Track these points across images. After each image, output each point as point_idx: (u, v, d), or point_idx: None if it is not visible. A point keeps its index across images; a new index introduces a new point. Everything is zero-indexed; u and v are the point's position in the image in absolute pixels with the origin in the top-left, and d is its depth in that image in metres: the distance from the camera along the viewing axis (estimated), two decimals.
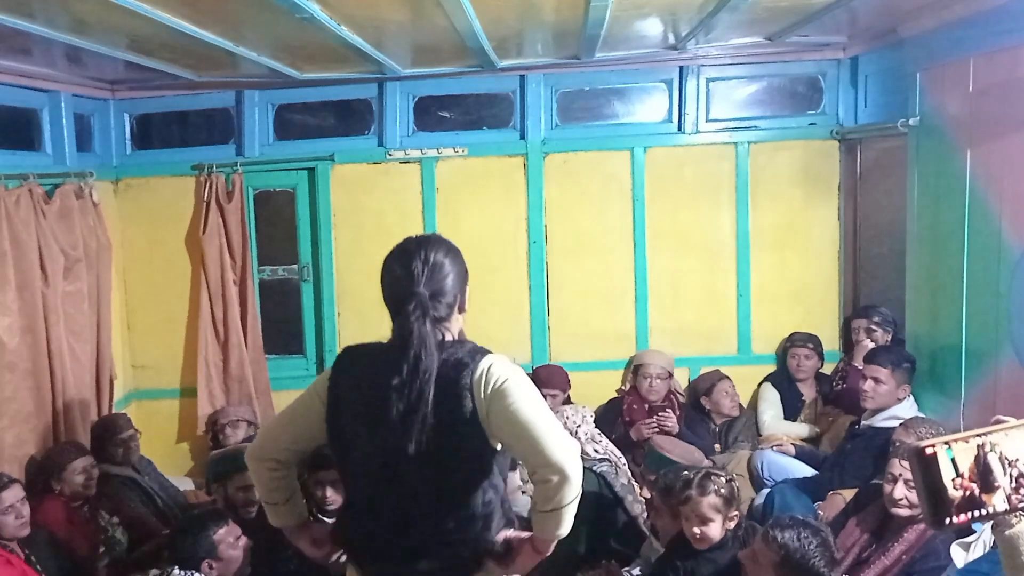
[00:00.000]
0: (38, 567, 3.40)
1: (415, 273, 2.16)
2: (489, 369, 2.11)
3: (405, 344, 2.09)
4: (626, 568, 3.54)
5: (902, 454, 3.06)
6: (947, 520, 1.48)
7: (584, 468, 3.38)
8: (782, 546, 2.64)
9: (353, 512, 2.30)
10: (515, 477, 3.60)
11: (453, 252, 2.27)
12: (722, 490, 3.01)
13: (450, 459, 2.13)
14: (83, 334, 4.47)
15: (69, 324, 4.34)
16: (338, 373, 2.25)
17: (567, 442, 2.08)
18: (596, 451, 4.02)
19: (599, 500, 3.75)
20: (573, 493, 2.08)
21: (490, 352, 2.19)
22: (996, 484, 1.49)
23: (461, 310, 2.28)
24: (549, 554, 2.21)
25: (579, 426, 4.11)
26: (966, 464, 1.48)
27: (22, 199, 4.01)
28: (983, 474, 1.48)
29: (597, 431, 4.13)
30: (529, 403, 2.09)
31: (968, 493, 1.48)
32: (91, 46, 3.59)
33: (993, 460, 1.49)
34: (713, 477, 3.05)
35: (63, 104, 4.50)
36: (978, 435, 1.51)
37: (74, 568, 3.61)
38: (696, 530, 3.00)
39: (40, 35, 3.26)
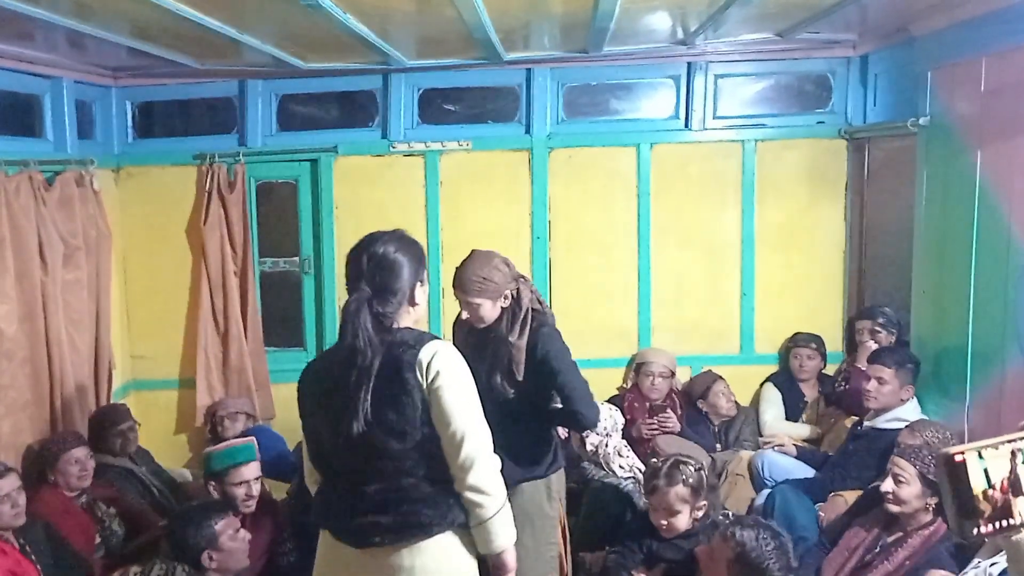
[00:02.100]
0: (33, 557, 3.37)
1: (360, 269, 2.31)
2: (436, 353, 2.26)
3: (342, 335, 2.28)
4: None
5: (901, 451, 3.04)
6: (975, 530, 1.43)
7: (608, 485, 3.42)
8: (739, 543, 2.65)
9: (321, 494, 2.46)
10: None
11: (405, 247, 2.38)
12: (690, 480, 3.00)
13: (398, 431, 2.24)
14: (82, 323, 4.44)
15: (68, 313, 4.31)
16: (301, 384, 2.47)
17: (482, 449, 2.25)
18: (622, 467, 4.01)
19: (620, 519, 3.73)
20: (492, 508, 2.25)
21: (439, 339, 2.33)
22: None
23: (412, 303, 2.36)
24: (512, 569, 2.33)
25: (609, 435, 4.09)
26: (999, 473, 1.43)
27: (22, 186, 3.97)
28: (1015, 483, 1.43)
29: (624, 443, 4.12)
30: (461, 395, 2.26)
31: (1001, 503, 1.43)
32: (94, 31, 3.56)
33: (1022, 468, 1.44)
34: (681, 466, 3.04)
35: (65, 90, 4.47)
36: (1009, 441, 1.45)
37: (70, 559, 3.58)
38: (663, 522, 3.01)
39: (43, 19, 3.22)
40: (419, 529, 2.28)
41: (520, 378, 3.01)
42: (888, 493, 2.99)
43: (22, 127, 4.37)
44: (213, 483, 3.52)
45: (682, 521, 2.99)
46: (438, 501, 2.29)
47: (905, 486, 2.95)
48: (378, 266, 2.30)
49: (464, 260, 3.10)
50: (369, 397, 2.23)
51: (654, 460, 3.20)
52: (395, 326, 2.31)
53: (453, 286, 3.08)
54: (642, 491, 3.75)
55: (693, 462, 3.14)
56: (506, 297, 3.04)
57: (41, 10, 3.14)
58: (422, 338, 2.30)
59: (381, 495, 2.29)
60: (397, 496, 2.28)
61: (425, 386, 2.24)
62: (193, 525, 3.07)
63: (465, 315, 3.12)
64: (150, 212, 5.10)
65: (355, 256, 2.35)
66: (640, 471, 3.97)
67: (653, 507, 3.05)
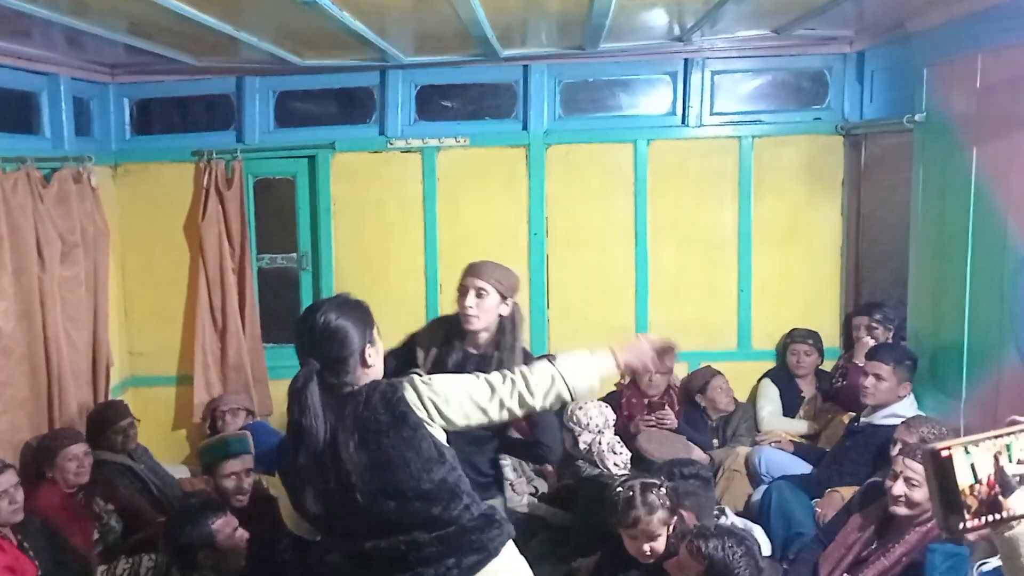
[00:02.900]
0: (31, 553, 3.38)
1: (306, 341, 2.28)
2: (415, 381, 2.28)
3: (291, 412, 2.27)
4: None
5: (908, 452, 3.04)
6: (961, 525, 1.44)
7: (601, 483, 3.40)
8: (706, 556, 2.62)
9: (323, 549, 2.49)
10: None
11: (347, 312, 2.31)
12: (666, 502, 2.93)
13: (398, 470, 2.23)
14: (80, 320, 4.44)
15: (66, 310, 4.31)
16: (279, 464, 2.50)
17: (487, 390, 2.34)
18: (617, 465, 4.00)
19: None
20: (543, 387, 2.34)
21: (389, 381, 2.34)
22: (1013, 487, 1.45)
23: (365, 366, 2.32)
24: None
25: (601, 432, 4.08)
26: (985, 468, 1.44)
27: (19, 183, 3.97)
28: (1002, 477, 1.44)
29: (617, 440, 4.11)
30: (452, 386, 2.32)
31: (986, 498, 1.44)
32: (91, 28, 3.56)
33: (1010, 463, 1.45)
34: (654, 490, 2.94)
35: (62, 87, 4.46)
36: (996, 436, 1.46)
37: (68, 555, 3.58)
38: (646, 548, 2.91)
39: (40, 16, 3.22)
40: (481, 553, 2.31)
41: None
42: (900, 496, 2.96)
43: (19, 124, 4.37)
44: (207, 477, 3.52)
45: (662, 543, 2.92)
46: (477, 522, 2.32)
47: (918, 489, 2.92)
48: (322, 337, 2.25)
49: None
50: (369, 462, 2.22)
51: (618, 490, 3.02)
52: (356, 387, 2.28)
53: (466, 274, 3.07)
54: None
55: (657, 480, 3.04)
56: (507, 306, 3.05)
57: (38, 7, 3.14)
58: (396, 382, 2.30)
59: (434, 544, 2.28)
60: (446, 535, 2.29)
61: (430, 410, 2.26)
62: (190, 523, 3.06)
63: (461, 311, 3.06)
64: (148, 209, 5.10)
65: (300, 328, 2.32)
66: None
67: (633, 537, 2.94)
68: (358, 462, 2.21)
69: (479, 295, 3.01)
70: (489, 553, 2.32)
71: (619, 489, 3.01)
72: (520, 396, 2.32)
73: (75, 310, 4.40)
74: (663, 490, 2.96)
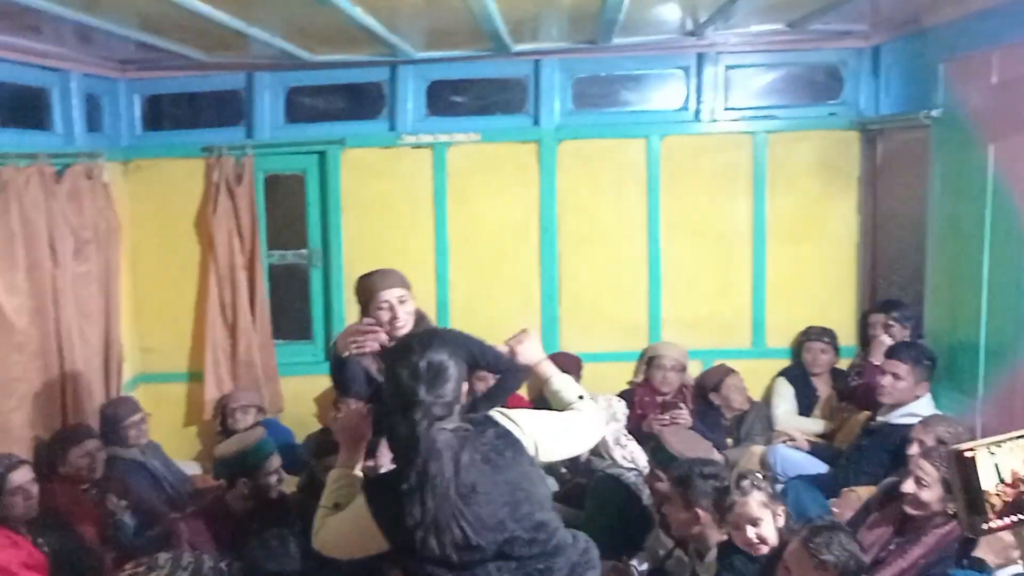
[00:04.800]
0: (45, 549, 3.38)
1: (419, 378, 2.18)
2: (506, 414, 2.32)
3: (415, 455, 2.15)
4: (632, 562, 3.51)
5: (925, 452, 3.01)
6: (985, 525, 1.43)
7: (611, 477, 3.38)
8: (836, 566, 2.53)
9: None
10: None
11: (454, 349, 2.29)
12: (762, 485, 2.89)
13: (520, 505, 2.23)
14: (92, 316, 4.45)
15: (78, 306, 4.32)
16: (374, 504, 2.27)
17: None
18: (624, 457, 3.98)
19: (623, 512, 3.71)
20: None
21: (485, 414, 2.34)
22: None
23: (460, 403, 2.29)
24: None
25: (607, 424, 4.07)
26: (1009, 468, 1.42)
27: (32, 179, 3.97)
28: None
29: (625, 434, 4.10)
30: (539, 416, 2.38)
31: (1011, 498, 1.42)
32: (102, 24, 3.56)
33: None
34: (749, 476, 2.95)
35: (73, 83, 4.46)
36: (1019, 437, 1.45)
37: (81, 551, 3.59)
38: (751, 534, 2.84)
39: (51, 12, 3.22)
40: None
41: None
42: (909, 495, 2.95)
43: (31, 120, 4.37)
44: (244, 479, 3.51)
45: (768, 529, 2.83)
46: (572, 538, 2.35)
47: (927, 489, 2.90)
48: (437, 374, 2.19)
49: (365, 273, 3.13)
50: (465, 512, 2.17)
51: (714, 483, 3.04)
52: (468, 426, 2.25)
53: (377, 288, 3.04)
54: (646, 483, 3.74)
55: (756, 470, 3.11)
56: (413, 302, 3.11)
57: (49, 3, 3.14)
58: (487, 419, 2.30)
59: (564, 569, 2.29)
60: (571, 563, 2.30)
61: (533, 446, 2.30)
62: None
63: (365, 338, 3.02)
64: (159, 205, 5.10)
65: (407, 361, 2.21)
66: (643, 462, 3.95)
67: (735, 525, 2.89)
68: (489, 497, 2.18)
69: (402, 302, 3.03)
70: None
71: (713, 481, 3.05)
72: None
73: (87, 306, 4.41)
74: (758, 475, 2.95)
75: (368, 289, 3.07)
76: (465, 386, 2.29)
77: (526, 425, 2.31)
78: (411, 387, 2.17)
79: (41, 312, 4.03)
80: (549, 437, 2.34)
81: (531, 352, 2.63)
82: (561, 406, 2.53)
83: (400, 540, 2.20)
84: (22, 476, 3.37)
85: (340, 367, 3.00)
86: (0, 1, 2.95)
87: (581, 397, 2.54)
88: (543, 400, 3.05)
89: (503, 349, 2.69)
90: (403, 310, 3.02)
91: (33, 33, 3.78)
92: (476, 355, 3.05)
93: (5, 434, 3.76)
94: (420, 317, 3.13)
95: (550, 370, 2.60)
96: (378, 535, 2.23)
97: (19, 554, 3.23)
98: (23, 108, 4.31)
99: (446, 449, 2.14)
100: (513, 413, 2.35)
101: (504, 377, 3.08)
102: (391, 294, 3.03)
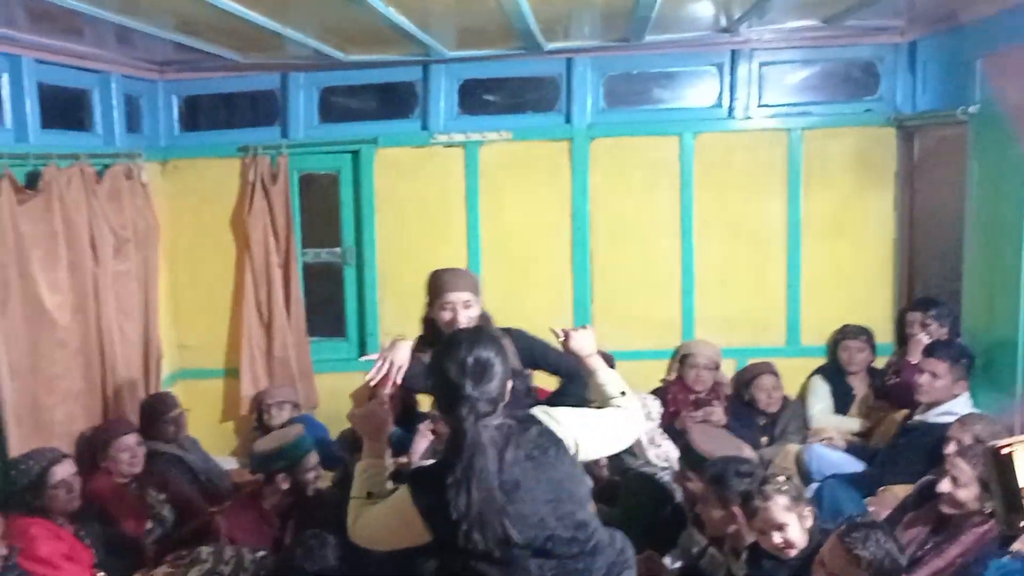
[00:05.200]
0: (87, 542, 3.46)
1: (466, 373, 2.22)
2: (547, 412, 2.35)
3: (462, 448, 2.18)
4: (665, 559, 3.50)
5: (962, 451, 2.98)
6: (1022, 523, 1.41)
7: (644, 475, 3.39)
8: (871, 563, 2.51)
9: None
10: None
11: (500, 347, 2.32)
12: (784, 488, 2.86)
13: (561, 503, 2.25)
14: (132, 313, 4.53)
15: (118, 303, 4.40)
16: (418, 494, 2.27)
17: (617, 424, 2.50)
18: (658, 456, 3.97)
19: (656, 511, 3.71)
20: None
21: (528, 412, 2.37)
22: None
23: (505, 400, 2.31)
24: None
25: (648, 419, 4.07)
26: None
27: (74, 179, 4.05)
28: None
29: (660, 431, 4.09)
30: (581, 414, 2.41)
31: None
32: (140, 26, 3.62)
33: None
34: (771, 480, 2.91)
35: (113, 85, 4.55)
36: None
37: (122, 543, 3.66)
38: (777, 539, 2.83)
39: (91, 15, 3.28)
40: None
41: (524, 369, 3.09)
42: (945, 494, 2.92)
43: (73, 121, 4.46)
44: (283, 474, 3.56)
45: (795, 533, 2.81)
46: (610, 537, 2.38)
47: (963, 489, 2.87)
48: (484, 370, 2.23)
49: (440, 269, 3.12)
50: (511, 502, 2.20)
51: (744, 487, 3.01)
52: (511, 422, 2.29)
53: (445, 289, 3.03)
54: (679, 484, 3.73)
55: (782, 471, 3.08)
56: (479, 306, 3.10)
57: (89, 6, 3.20)
58: (529, 417, 2.32)
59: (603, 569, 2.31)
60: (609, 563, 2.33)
61: (575, 445, 2.32)
62: None
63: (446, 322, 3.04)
64: (196, 204, 5.18)
65: (455, 357, 2.24)
66: (675, 459, 3.94)
67: (760, 530, 2.88)
68: (532, 494, 2.20)
69: (467, 307, 3.02)
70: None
71: (744, 482, 3.03)
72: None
73: (127, 304, 4.49)
74: (781, 478, 2.91)
75: (437, 287, 3.08)
76: (510, 384, 2.31)
77: (568, 423, 2.33)
78: (458, 382, 2.21)
79: (82, 310, 4.11)
80: (590, 436, 2.36)
81: (585, 343, 2.69)
82: (603, 400, 2.57)
83: (442, 533, 2.21)
84: (65, 470, 3.44)
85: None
86: (44, 1, 3.01)
87: (623, 393, 2.56)
88: (556, 394, 3.09)
89: (558, 333, 2.73)
90: (465, 314, 3.01)
91: (75, 35, 3.85)
92: (538, 356, 3.11)
93: (48, 429, 3.84)
94: (485, 320, 3.12)
95: (598, 364, 2.65)
96: (419, 526, 2.24)
97: (62, 546, 3.31)
98: (65, 109, 4.39)
99: (491, 445, 2.17)
100: (555, 411, 2.37)
101: (566, 384, 3.12)
102: (457, 296, 3.03)
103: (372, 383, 2.82)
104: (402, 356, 2.84)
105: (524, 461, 2.21)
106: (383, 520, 2.37)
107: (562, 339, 2.73)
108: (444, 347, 2.32)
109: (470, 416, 2.18)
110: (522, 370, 3.06)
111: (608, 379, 2.61)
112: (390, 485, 2.53)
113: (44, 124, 4.03)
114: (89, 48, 4.16)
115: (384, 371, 2.79)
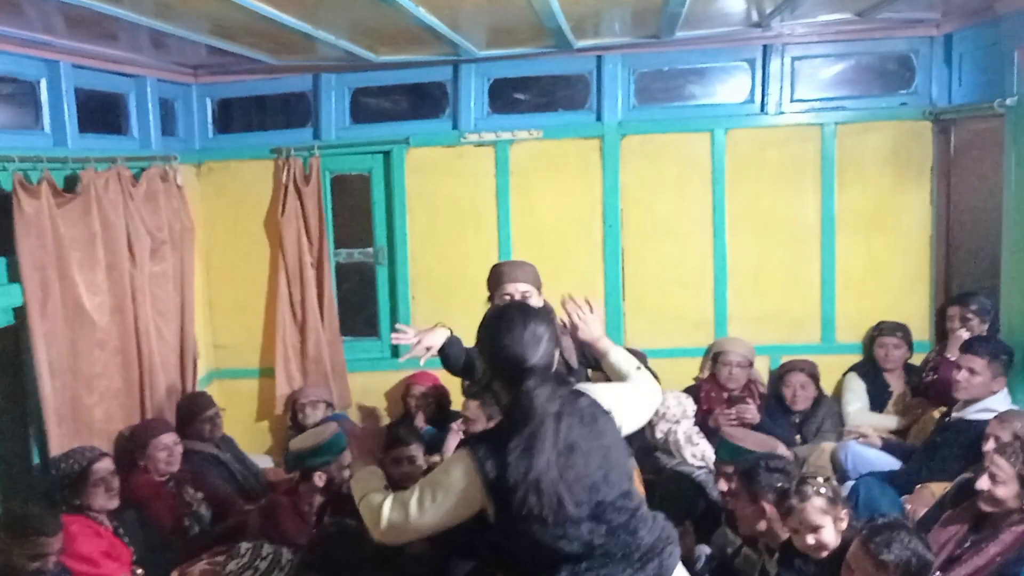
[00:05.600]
0: (126, 539, 3.51)
1: (525, 345, 2.25)
2: (591, 390, 2.39)
3: (520, 412, 2.22)
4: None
5: (1000, 448, 2.93)
6: None
7: (681, 474, 3.38)
8: (897, 566, 2.48)
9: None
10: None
11: (547, 318, 2.37)
12: (822, 490, 2.83)
13: (612, 471, 2.28)
14: (168, 314, 4.59)
15: (155, 304, 4.46)
16: (478, 456, 2.26)
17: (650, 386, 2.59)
18: (694, 455, 3.95)
19: (691, 509, 3.69)
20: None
21: (569, 385, 2.42)
22: None
23: (553, 369, 2.35)
24: None
25: (678, 421, 4.05)
26: None
27: (111, 182, 4.12)
28: None
29: (696, 430, 4.07)
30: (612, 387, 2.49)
31: None
32: (175, 31, 3.66)
33: None
34: (810, 480, 2.88)
35: (148, 89, 4.62)
36: None
37: (160, 540, 3.71)
38: (810, 540, 2.81)
39: (126, 20, 3.33)
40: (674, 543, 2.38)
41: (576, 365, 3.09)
42: (984, 492, 2.88)
43: (109, 125, 4.53)
44: (318, 472, 3.59)
45: (829, 535, 2.79)
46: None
47: (1002, 486, 2.84)
48: (539, 342, 2.27)
49: (501, 261, 3.16)
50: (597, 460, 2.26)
51: (779, 484, 3.00)
52: (563, 394, 2.32)
53: (505, 280, 3.08)
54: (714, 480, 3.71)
55: (820, 473, 3.07)
56: (541, 300, 3.10)
57: (125, 11, 3.25)
58: (578, 392, 2.35)
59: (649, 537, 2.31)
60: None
61: (616, 408, 2.36)
62: None
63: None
64: (230, 205, 5.24)
65: (514, 329, 2.28)
66: (712, 458, 3.92)
67: (794, 529, 2.87)
68: (586, 459, 2.22)
69: (526, 298, 3.03)
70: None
71: (779, 482, 3.01)
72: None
73: (164, 304, 4.55)
74: (820, 479, 2.89)
75: (497, 278, 3.13)
76: (557, 354, 2.35)
77: (606, 398, 2.36)
78: (519, 353, 2.24)
79: (120, 310, 4.17)
80: (627, 408, 2.42)
81: (593, 328, 2.71)
82: (619, 378, 2.62)
83: (499, 496, 2.22)
84: (104, 468, 3.49)
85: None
86: (82, 6, 3.06)
87: (639, 368, 2.61)
88: None
89: (565, 323, 2.73)
90: (526, 290, 3.07)
91: (111, 41, 3.91)
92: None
93: (87, 427, 3.90)
94: (547, 312, 3.14)
95: (608, 345, 2.70)
96: (474, 495, 2.24)
97: (101, 543, 3.36)
98: (102, 113, 4.46)
99: (550, 407, 2.21)
100: (591, 387, 2.42)
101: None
102: (515, 287, 3.07)
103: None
104: (435, 340, 2.94)
105: (579, 426, 2.25)
106: (430, 498, 2.29)
107: (571, 330, 2.73)
108: (497, 320, 2.34)
109: (536, 386, 2.22)
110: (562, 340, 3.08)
111: (619, 358, 2.66)
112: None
113: (81, 128, 4.10)
114: (125, 53, 4.22)
115: (415, 352, 2.92)
